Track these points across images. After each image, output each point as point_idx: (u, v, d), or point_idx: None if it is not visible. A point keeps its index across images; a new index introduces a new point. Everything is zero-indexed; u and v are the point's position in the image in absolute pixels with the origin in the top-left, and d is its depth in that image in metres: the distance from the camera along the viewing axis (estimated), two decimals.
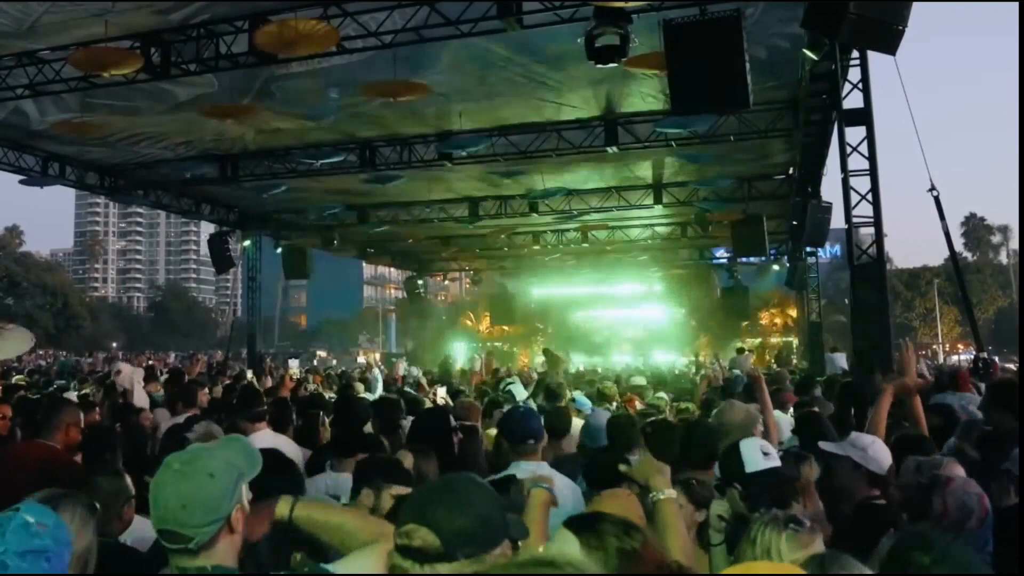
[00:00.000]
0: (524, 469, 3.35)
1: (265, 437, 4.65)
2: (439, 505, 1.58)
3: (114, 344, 61.55)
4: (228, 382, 10.71)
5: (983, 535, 2.62)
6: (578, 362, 23.22)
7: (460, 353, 27.37)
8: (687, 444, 3.50)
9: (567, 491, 3.38)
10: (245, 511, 1.94)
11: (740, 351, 21.55)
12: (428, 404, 7.19)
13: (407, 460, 3.35)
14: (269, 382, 11.05)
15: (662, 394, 8.88)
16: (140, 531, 3.01)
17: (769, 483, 2.87)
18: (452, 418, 4.79)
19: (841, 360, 15.05)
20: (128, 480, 3.27)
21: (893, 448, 3.57)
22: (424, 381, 11.62)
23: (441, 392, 9.29)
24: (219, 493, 1.87)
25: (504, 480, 2.55)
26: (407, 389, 10.17)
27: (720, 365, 11.32)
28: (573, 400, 6.71)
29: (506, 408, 5.00)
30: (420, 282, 27.13)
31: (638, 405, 7.77)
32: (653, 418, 4.96)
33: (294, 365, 13.92)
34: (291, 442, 4.88)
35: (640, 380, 10.66)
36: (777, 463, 3.01)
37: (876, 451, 3.40)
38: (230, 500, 1.89)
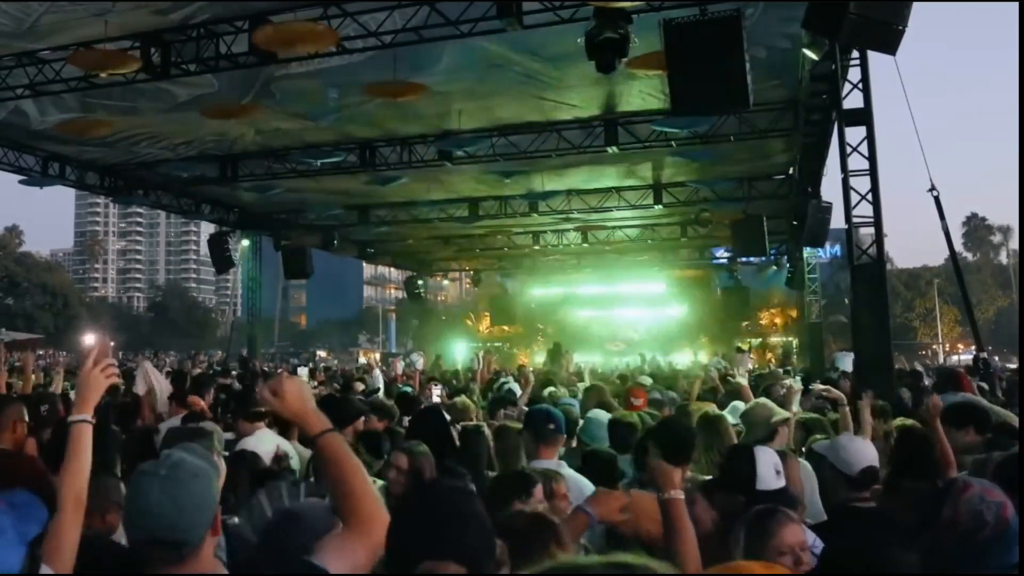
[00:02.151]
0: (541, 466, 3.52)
1: (264, 436, 4.63)
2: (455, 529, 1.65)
3: (112, 343, 61.47)
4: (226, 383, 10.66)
5: (999, 547, 2.41)
6: (579, 361, 23.16)
7: (460, 353, 27.36)
8: (656, 442, 2.73)
9: (575, 488, 3.43)
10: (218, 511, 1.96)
11: (739, 350, 21.53)
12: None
13: (401, 461, 3.40)
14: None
15: (673, 394, 8.81)
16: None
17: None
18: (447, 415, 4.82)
19: (847, 362, 14.87)
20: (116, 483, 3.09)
21: (896, 445, 3.56)
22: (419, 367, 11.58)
23: (436, 391, 9.28)
24: (207, 493, 1.88)
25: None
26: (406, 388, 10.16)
27: (722, 365, 11.28)
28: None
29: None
30: (420, 282, 27.10)
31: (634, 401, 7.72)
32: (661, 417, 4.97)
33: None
34: (288, 442, 4.86)
35: (647, 380, 10.61)
36: (784, 483, 2.85)
37: (848, 451, 3.26)
38: (215, 499, 1.90)
